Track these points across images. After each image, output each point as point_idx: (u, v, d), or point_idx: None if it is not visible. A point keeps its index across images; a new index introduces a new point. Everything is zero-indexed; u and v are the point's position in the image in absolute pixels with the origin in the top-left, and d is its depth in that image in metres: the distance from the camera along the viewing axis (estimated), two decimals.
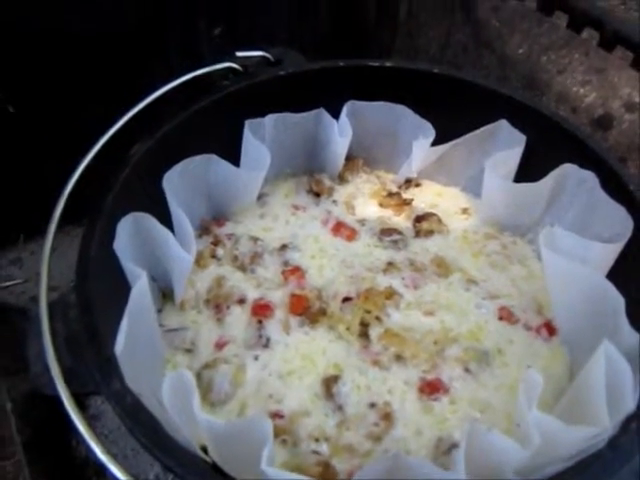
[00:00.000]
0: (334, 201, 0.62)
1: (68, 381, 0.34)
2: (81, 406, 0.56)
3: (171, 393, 0.34)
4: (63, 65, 0.59)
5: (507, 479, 0.33)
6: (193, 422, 0.34)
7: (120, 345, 0.35)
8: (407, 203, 0.61)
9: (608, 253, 0.45)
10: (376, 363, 0.48)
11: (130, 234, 0.45)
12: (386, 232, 0.58)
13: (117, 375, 0.34)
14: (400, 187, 0.64)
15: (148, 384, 0.36)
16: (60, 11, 0.54)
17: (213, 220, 0.59)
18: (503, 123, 0.55)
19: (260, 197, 0.61)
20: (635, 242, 0.44)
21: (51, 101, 0.60)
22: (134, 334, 0.37)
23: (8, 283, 0.69)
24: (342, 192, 0.63)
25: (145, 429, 0.32)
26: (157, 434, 0.32)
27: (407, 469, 0.32)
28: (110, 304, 0.39)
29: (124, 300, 0.39)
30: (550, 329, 0.51)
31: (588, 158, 0.50)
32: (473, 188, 0.61)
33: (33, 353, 0.36)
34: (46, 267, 0.40)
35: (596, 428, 0.33)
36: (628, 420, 0.33)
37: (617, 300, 0.40)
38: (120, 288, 0.42)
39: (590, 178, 0.49)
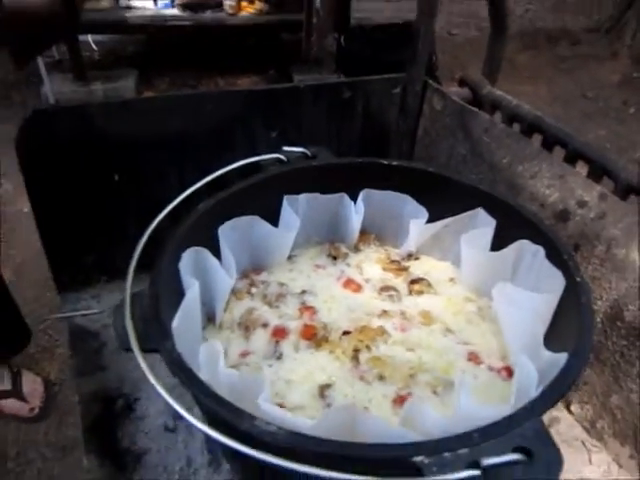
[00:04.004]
0: (347, 264, 0.78)
1: (140, 341, 0.50)
2: (129, 408, 0.72)
3: (205, 355, 0.49)
4: (158, 148, 0.81)
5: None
6: (217, 377, 0.48)
7: (176, 322, 0.52)
8: (405, 269, 0.76)
9: (547, 303, 0.58)
10: (362, 379, 0.61)
11: (191, 261, 0.62)
12: (385, 288, 0.73)
13: (170, 340, 0.50)
14: (403, 259, 0.80)
15: (190, 351, 0.51)
16: (168, 119, 0.77)
17: (252, 269, 0.76)
18: (480, 210, 0.71)
19: (290, 257, 0.78)
20: (566, 294, 0.57)
21: (145, 172, 0.82)
22: (185, 318, 0.53)
23: (88, 312, 0.88)
24: (355, 258, 0.79)
25: (184, 373, 0.47)
26: (192, 377, 0.47)
27: (360, 421, 0.45)
28: (171, 300, 0.56)
29: (180, 300, 0.56)
30: (509, 372, 0.63)
31: (539, 236, 0.64)
32: (460, 262, 0.76)
33: (119, 324, 0.52)
34: (132, 271, 0.57)
35: (503, 407, 0.45)
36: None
37: (539, 329, 0.53)
38: (179, 293, 0.59)
39: (540, 250, 0.63)
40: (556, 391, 0.46)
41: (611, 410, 0.71)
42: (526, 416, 0.44)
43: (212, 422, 0.45)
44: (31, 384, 1.20)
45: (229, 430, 0.42)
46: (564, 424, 0.77)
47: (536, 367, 0.50)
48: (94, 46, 3.49)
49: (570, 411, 0.78)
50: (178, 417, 0.74)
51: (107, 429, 0.71)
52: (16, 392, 1.17)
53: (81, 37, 3.11)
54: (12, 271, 1.50)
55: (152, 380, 0.47)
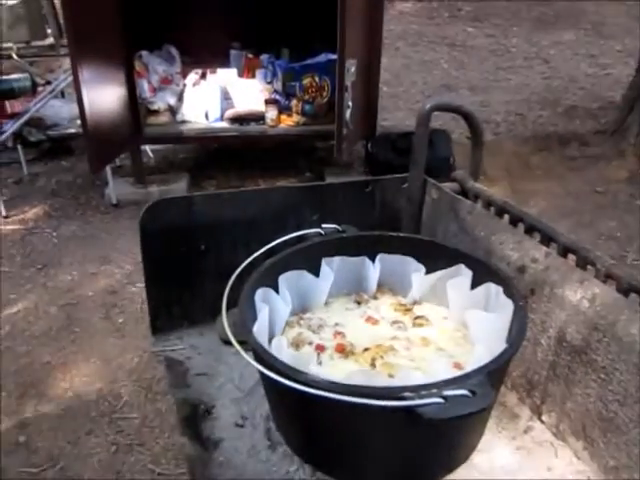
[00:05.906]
0: (369, 307, 1.07)
1: (235, 335, 0.79)
2: (208, 412, 1.00)
3: (275, 344, 0.79)
4: (233, 226, 1.15)
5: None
6: (282, 355, 0.77)
7: (255, 328, 0.82)
8: (410, 309, 1.05)
9: (503, 320, 0.86)
10: None
11: (261, 295, 0.93)
12: (395, 322, 1.01)
13: (253, 336, 0.80)
14: (409, 304, 1.08)
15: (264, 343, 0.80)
16: (242, 206, 1.12)
17: (300, 310, 1.06)
18: (461, 265, 1.01)
19: (327, 303, 1.08)
20: (514, 314, 0.85)
21: (222, 243, 1.15)
22: (259, 326, 0.83)
23: (174, 347, 1.17)
24: (374, 303, 1.08)
25: (264, 351, 0.76)
26: (268, 353, 0.76)
27: (370, 376, 0.72)
28: (250, 317, 0.86)
29: (255, 318, 0.87)
30: None
31: (500, 280, 0.93)
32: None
33: (220, 326, 0.82)
34: (225, 301, 0.88)
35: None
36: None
37: (497, 336, 0.80)
38: (254, 315, 0.89)
39: (500, 290, 0.92)
40: (494, 362, 0.73)
41: (567, 413, 0.95)
42: (474, 374, 0.71)
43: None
44: None
45: (291, 380, 0.71)
46: (537, 431, 1.01)
47: (490, 354, 0.77)
48: (150, 154, 4.02)
49: (541, 420, 1.02)
50: (245, 418, 1.01)
51: (193, 424, 0.99)
52: None
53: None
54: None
55: (238, 347, 0.77)
